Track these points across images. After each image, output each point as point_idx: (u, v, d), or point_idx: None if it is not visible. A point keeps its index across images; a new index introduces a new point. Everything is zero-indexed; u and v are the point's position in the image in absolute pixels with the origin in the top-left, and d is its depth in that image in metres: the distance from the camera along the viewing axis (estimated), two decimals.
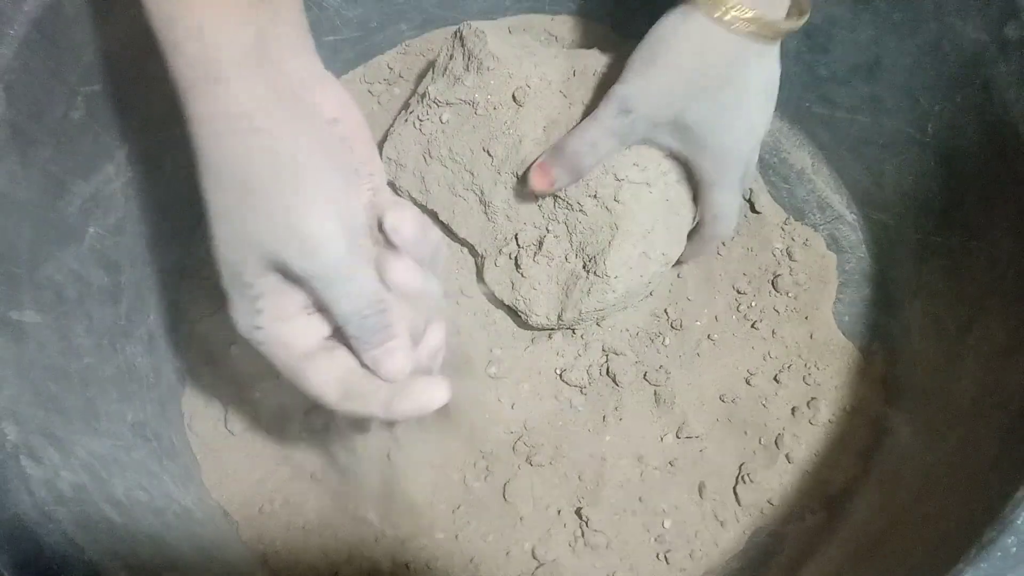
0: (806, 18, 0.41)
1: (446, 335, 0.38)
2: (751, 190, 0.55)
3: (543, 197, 0.47)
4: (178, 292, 0.50)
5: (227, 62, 0.30)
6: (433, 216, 0.51)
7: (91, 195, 0.41)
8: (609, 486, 0.47)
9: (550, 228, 0.48)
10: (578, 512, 0.47)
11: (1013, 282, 0.42)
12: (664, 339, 0.51)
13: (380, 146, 0.51)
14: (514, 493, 0.47)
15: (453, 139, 0.48)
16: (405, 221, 0.35)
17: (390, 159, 0.50)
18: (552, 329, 0.50)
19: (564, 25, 0.59)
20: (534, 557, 0.46)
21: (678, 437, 0.49)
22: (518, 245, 0.49)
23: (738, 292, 0.53)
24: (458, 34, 0.49)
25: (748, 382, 0.50)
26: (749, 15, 0.38)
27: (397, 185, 0.51)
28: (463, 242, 0.51)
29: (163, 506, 0.41)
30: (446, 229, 0.51)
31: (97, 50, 0.39)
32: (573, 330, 0.50)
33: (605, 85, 0.47)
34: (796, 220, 0.55)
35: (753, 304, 0.52)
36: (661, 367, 0.50)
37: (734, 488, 0.48)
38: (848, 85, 0.52)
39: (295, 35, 0.34)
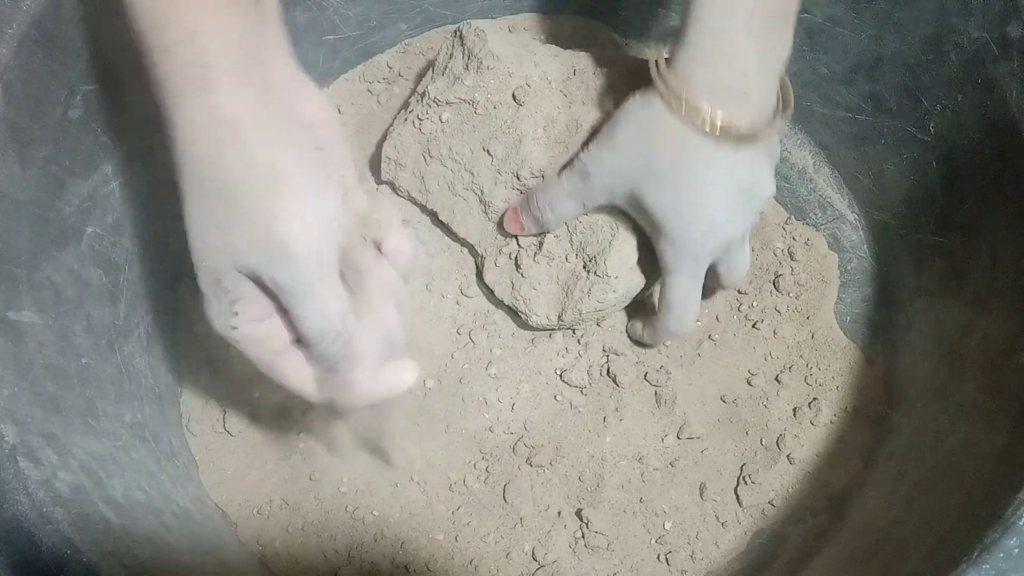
0: (783, 122, 0.41)
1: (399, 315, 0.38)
2: None
3: None
4: (176, 292, 0.49)
5: (217, 68, 0.30)
6: (433, 216, 0.51)
7: (90, 195, 0.41)
8: (610, 487, 0.47)
9: None
10: (578, 513, 0.47)
11: (1014, 282, 0.42)
12: None
13: (379, 145, 0.51)
14: (514, 494, 0.47)
15: (453, 138, 0.48)
16: (405, 246, 0.36)
17: (390, 158, 0.50)
18: (552, 329, 0.50)
19: (564, 24, 0.59)
20: (534, 558, 0.46)
21: (679, 438, 0.49)
22: (518, 245, 0.48)
23: (739, 292, 0.53)
24: (458, 33, 0.49)
25: (749, 382, 0.50)
26: (704, 112, 0.38)
27: (396, 184, 0.51)
28: (463, 242, 0.51)
29: (161, 507, 0.41)
30: (446, 229, 0.51)
31: (96, 49, 0.39)
32: (573, 330, 0.50)
33: (605, 84, 0.47)
34: (797, 220, 0.55)
35: (754, 304, 0.52)
36: (662, 367, 0.50)
37: (735, 489, 0.48)
38: (849, 84, 0.52)
39: (276, 38, 0.34)
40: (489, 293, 0.50)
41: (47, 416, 0.36)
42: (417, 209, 0.52)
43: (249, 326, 0.34)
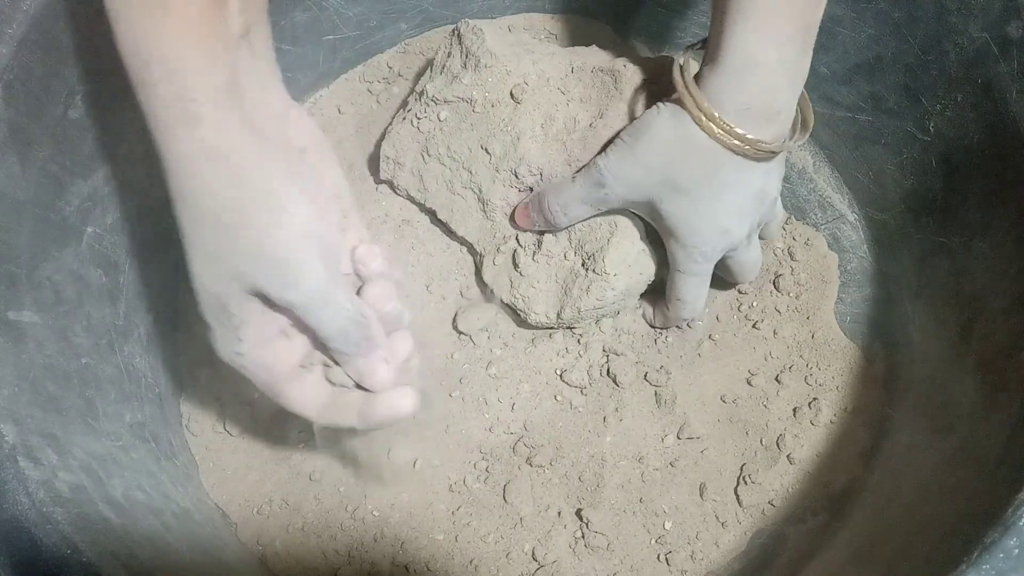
0: (806, 136, 0.42)
1: (412, 344, 0.39)
2: None
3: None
4: (176, 292, 0.49)
5: (203, 102, 0.30)
6: (431, 214, 0.51)
7: (89, 194, 0.41)
8: (609, 487, 0.47)
9: None
10: (578, 513, 0.47)
11: (1014, 282, 0.42)
12: (665, 339, 0.51)
13: (378, 144, 0.51)
14: (514, 494, 0.47)
15: (451, 137, 0.48)
16: (388, 297, 0.37)
17: (388, 157, 0.50)
18: (551, 328, 0.50)
19: (563, 24, 0.59)
20: (534, 558, 0.46)
21: (679, 438, 0.49)
22: (517, 243, 0.48)
23: (739, 292, 0.53)
24: (456, 32, 0.49)
25: (749, 382, 0.50)
26: (738, 133, 0.39)
27: (395, 183, 0.51)
28: (462, 240, 0.51)
29: (161, 507, 0.41)
30: (444, 227, 0.51)
31: (96, 49, 0.39)
32: (573, 330, 0.50)
33: (603, 82, 0.47)
34: (797, 219, 0.55)
35: (754, 304, 0.52)
36: (662, 367, 0.50)
37: (735, 489, 0.48)
38: (849, 84, 0.52)
39: (266, 69, 0.35)
40: (488, 292, 0.50)
41: (47, 416, 0.36)
42: (416, 208, 0.52)
43: (254, 352, 0.35)
